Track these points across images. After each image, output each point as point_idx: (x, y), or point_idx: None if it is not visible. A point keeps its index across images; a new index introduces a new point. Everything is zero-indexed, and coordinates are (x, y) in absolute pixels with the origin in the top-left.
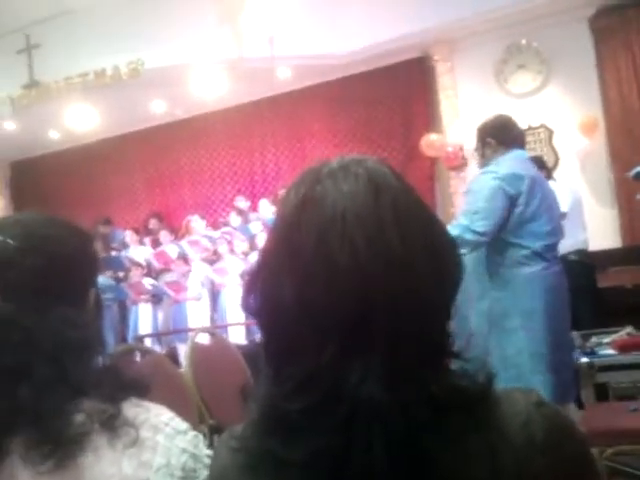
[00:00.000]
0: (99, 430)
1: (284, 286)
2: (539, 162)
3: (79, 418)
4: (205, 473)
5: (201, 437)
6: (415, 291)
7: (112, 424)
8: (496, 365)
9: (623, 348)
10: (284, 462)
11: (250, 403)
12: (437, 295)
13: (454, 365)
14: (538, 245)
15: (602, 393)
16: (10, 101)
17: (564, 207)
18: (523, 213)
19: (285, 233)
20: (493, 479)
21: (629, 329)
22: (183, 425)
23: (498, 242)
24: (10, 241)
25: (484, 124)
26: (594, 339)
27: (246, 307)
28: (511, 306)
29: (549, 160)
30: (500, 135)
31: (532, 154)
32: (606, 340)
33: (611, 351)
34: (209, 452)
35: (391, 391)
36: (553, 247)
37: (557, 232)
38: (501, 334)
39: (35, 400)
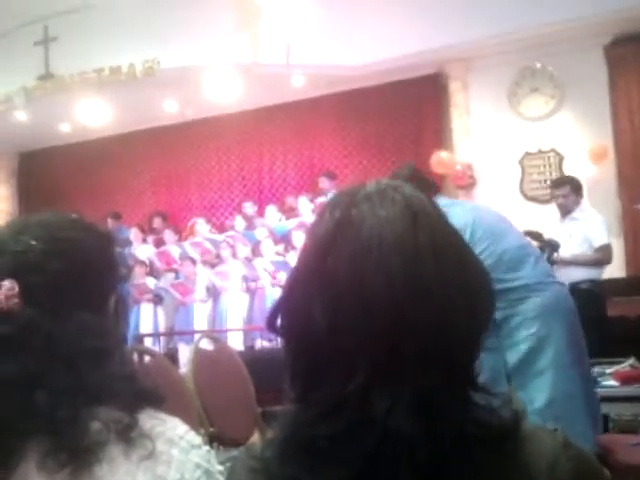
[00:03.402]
0: (115, 440)
1: (314, 309)
2: (575, 185)
3: (95, 426)
4: None
5: (213, 452)
6: (447, 322)
7: (128, 435)
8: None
9: (625, 380)
10: None
11: (273, 424)
12: (469, 328)
13: (480, 399)
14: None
15: (603, 425)
16: (24, 92)
17: (604, 239)
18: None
19: (318, 255)
20: None
21: (632, 361)
22: (197, 439)
23: None
24: (33, 242)
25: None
26: (597, 369)
27: (272, 327)
28: (533, 348)
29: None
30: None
31: (543, 177)
32: (608, 371)
33: (613, 382)
34: (221, 468)
35: (419, 423)
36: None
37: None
38: (527, 383)
39: (51, 407)
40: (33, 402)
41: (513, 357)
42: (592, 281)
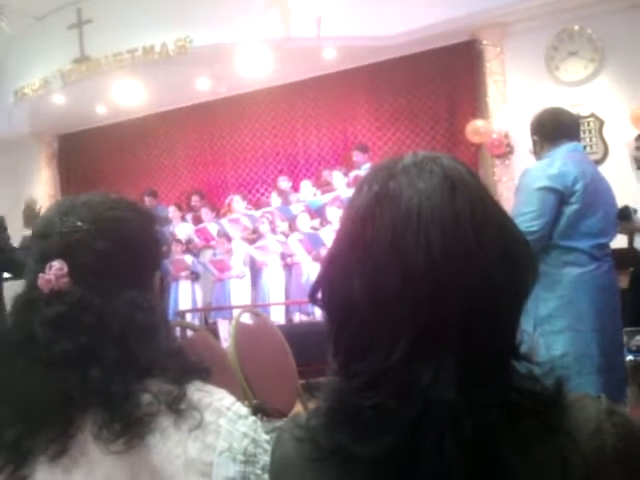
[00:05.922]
0: (165, 411)
1: (355, 281)
2: None
3: (146, 399)
4: (265, 458)
5: (260, 422)
6: (487, 291)
7: (178, 406)
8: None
9: None
10: (353, 457)
11: (317, 394)
12: (510, 296)
13: (522, 368)
14: (588, 245)
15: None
16: (60, 75)
17: None
18: (576, 212)
19: (357, 228)
20: None
21: None
22: (244, 410)
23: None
24: (80, 223)
25: (531, 120)
26: (636, 337)
27: (314, 300)
28: (559, 308)
29: (598, 151)
30: (544, 131)
31: (583, 144)
32: None
33: None
34: (267, 437)
35: (463, 392)
36: (604, 245)
37: (610, 230)
38: (548, 335)
39: (104, 381)
40: (88, 377)
41: (542, 310)
42: None
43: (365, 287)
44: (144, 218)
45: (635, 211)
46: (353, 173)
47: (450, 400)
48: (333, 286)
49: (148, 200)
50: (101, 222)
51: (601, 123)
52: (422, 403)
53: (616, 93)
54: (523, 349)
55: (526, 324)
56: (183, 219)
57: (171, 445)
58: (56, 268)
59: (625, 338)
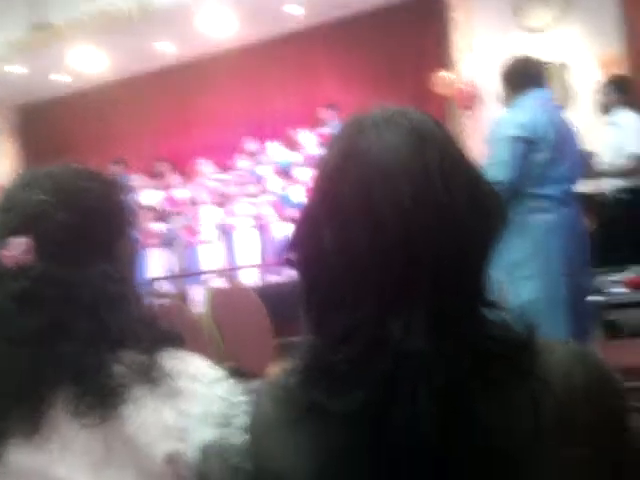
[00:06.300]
0: (138, 381)
1: (324, 236)
2: (619, 84)
3: (119, 370)
4: (242, 420)
5: (236, 385)
6: (459, 242)
7: (151, 375)
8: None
9: (636, 286)
10: (328, 413)
11: (292, 354)
12: (479, 246)
13: (492, 315)
14: (558, 191)
15: (612, 331)
16: (16, 44)
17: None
18: (546, 159)
19: (327, 184)
20: (536, 427)
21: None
22: (219, 374)
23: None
24: (42, 196)
25: (499, 69)
26: (601, 278)
27: (287, 258)
28: (529, 253)
29: (563, 96)
30: (512, 79)
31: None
32: (615, 278)
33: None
34: (244, 399)
35: (434, 343)
36: (572, 191)
37: (577, 175)
38: (518, 281)
39: (76, 355)
40: (58, 352)
41: (513, 256)
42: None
43: (336, 241)
44: (107, 187)
45: (592, 155)
46: (321, 130)
47: (422, 351)
48: (304, 243)
49: (115, 168)
50: (62, 193)
51: (567, 69)
52: (394, 356)
53: (583, 40)
54: (493, 296)
55: (496, 271)
56: (151, 186)
57: (146, 414)
58: (18, 242)
59: (592, 280)
